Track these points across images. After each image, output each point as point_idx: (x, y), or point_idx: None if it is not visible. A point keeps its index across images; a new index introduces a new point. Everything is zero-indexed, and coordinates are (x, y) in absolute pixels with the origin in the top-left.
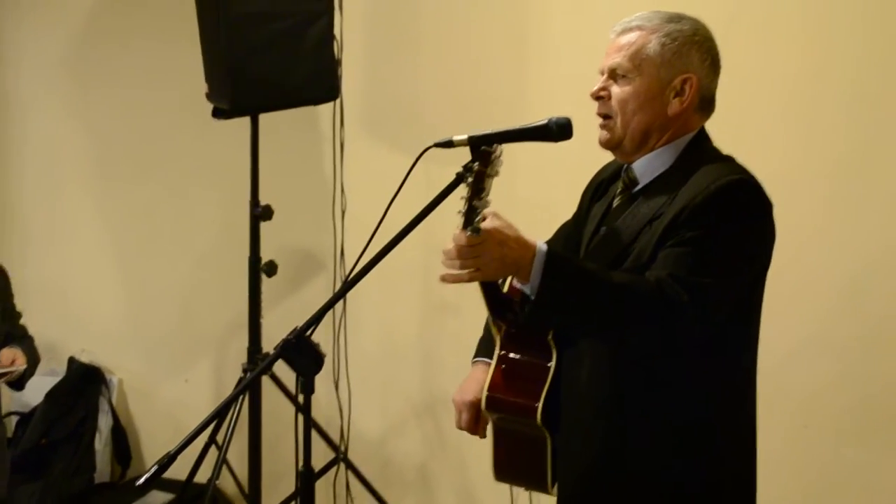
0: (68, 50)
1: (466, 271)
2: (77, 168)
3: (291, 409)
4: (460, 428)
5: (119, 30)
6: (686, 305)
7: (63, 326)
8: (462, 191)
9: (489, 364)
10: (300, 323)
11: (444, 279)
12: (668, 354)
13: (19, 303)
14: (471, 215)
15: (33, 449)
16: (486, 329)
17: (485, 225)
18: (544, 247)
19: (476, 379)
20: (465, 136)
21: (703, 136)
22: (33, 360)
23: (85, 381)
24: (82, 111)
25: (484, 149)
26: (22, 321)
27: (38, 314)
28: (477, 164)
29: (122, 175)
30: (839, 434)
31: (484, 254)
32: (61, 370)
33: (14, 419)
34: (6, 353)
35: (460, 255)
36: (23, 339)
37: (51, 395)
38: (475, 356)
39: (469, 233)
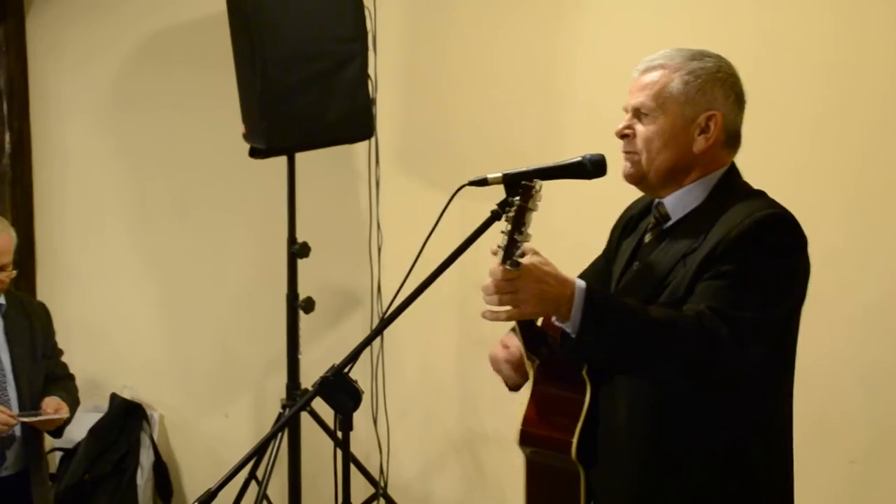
0: (109, 91)
1: (504, 309)
2: (117, 207)
3: (330, 444)
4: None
5: (156, 73)
6: (725, 339)
7: (105, 363)
8: (501, 225)
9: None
10: (338, 359)
11: (484, 316)
12: (707, 388)
13: (62, 340)
14: (510, 249)
15: (77, 485)
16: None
17: (524, 261)
18: (583, 283)
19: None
20: (499, 174)
21: (733, 172)
22: (74, 405)
23: (127, 417)
24: (122, 151)
25: (525, 183)
26: (64, 358)
27: (80, 351)
28: (518, 198)
29: (162, 214)
30: (891, 470)
31: (522, 289)
32: (104, 406)
33: (58, 455)
34: (50, 403)
35: (498, 290)
36: (64, 380)
37: (94, 431)
38: None
39: (508, 266)
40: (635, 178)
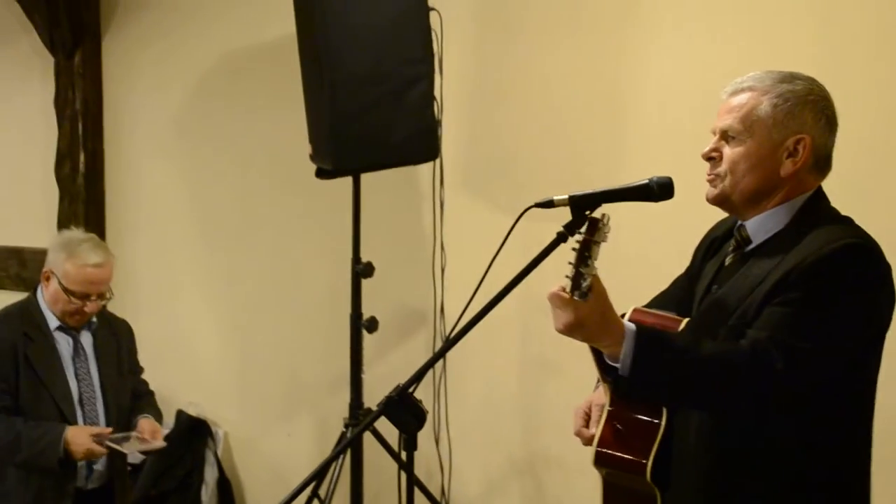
0: (179, 113)
1: (562, 324)
2: (185, 226)
3: (392, 463)
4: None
5: (225, 95)
6: (780, 372)
7: (172, 380)
8: (567, 248)
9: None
10: (401, 378)
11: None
12: (771, 414)
13: None
14: (578, 281)
15: (143, 499)
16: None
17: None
18: (633, 326)
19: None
20: (565, 196)
21: (819, 196)
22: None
23: (192, 434)
24: (191, 171)
25: (593, 216)
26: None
27: (148, 368)
28: (585, 230)
29: (229, 234)
30: None
31: (585, 318)
32: (170, 423)
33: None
34: (147, 426)
35: (562, 315)
36: (148, 396)
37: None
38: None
39: (576, 298)
40: (718, 199)
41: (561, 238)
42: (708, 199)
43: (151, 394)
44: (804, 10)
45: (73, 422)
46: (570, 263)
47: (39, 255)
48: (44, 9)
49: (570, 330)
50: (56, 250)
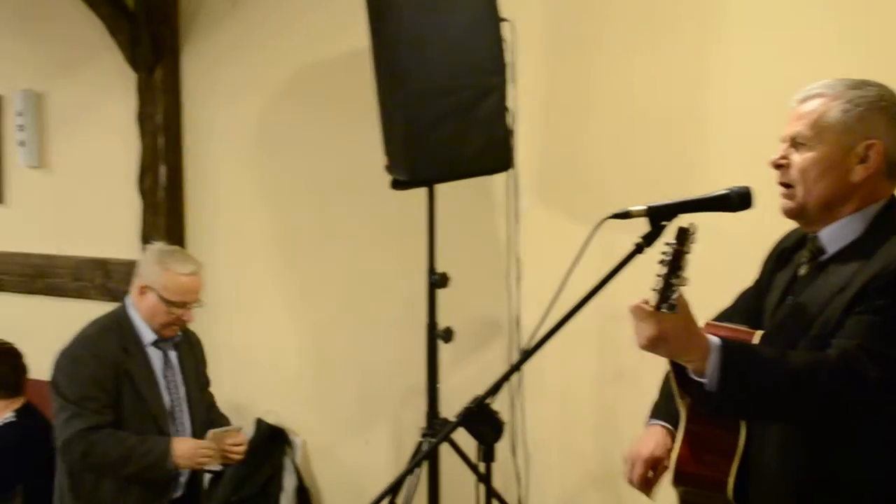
0: (256, 126)
1: (645, 339)
2: (263, 237)
3: (469, 473)
4: (631, 482)
5: (302, 107)
6: (873, 380)
7: (251, 388)
8: (642, 259)
9: (664, 428)
10: (476, 389)
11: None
12: (860, 423)
13: (211, 366)
14: (667, 293)
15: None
16: (662, 393)
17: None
18: (717, 340)
19: (653, 437)
20: (643, 207)
21: (894, 203)
22: None
23: (271, 442)
24: (268, 184)
25: (682, 227)
26: (213, 384)
27: (227, 377)
28: (675, 241)
29: (306, 245)
30: None
31: (670, 332)
32: (249, 431)
33: (207, 477)
34: (239, 438)
35: (643, 333)
36: (216, 408)
37: None
38: (651, 418)
39: (664, 310)
40: (794, 212)
41: (638, 249)
42: (784, 213)
43: (216, 406)
44: (884, 20)
45: (169, 435)
46: (658, 276)
47: (123, 266)
48: (126, 28)
49: (653, 345)
50: (150, 264)
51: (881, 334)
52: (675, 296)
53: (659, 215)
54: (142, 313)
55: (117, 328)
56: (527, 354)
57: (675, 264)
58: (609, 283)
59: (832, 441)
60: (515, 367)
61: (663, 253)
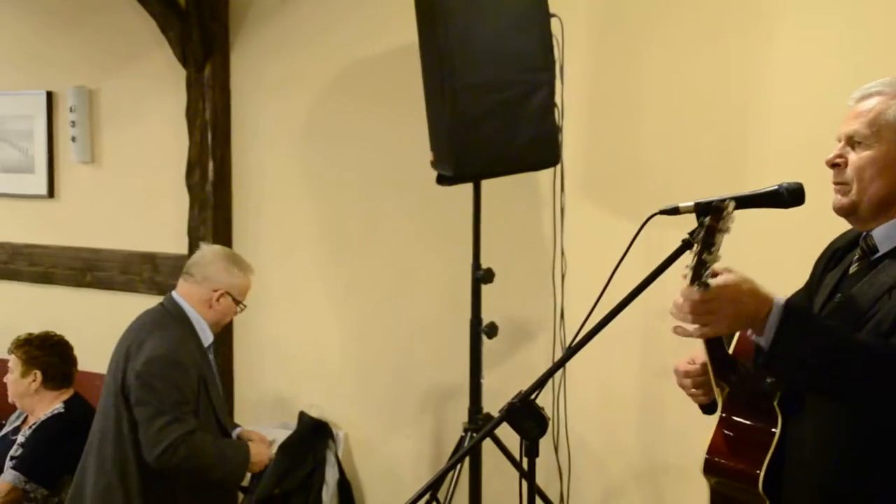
0: (303, 122)
1: (695, 327)
2: (308, 232)
3: (511, 468)
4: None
5: (348, 103)
6: None
7: (294, 382)
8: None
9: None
10: (519, 385)
11: (675, 332)
12: None
13: (256, 359)
14: (699, 270)
15: (267, 498)
16: None
17: (717, 281)
18: (782, 300)
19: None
20: (691, 203)
21: None
22: None
23: (314, 435)
24: (314, 179)
25: (716, 203)
26: (257, 377)
27: (271, 370)
28: (709, 218)
29: (351, 239)
30: None
31: (716, 311)
32: (292, 424)
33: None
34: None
35: (693, 311)
36: None
37: (284, 447)
38: None
39: (697, 287)
40: (847, 209)
41: (686, 246)
42: (835, 209)
43: None
44: None
45: (230, 437)
46: (692, 253)
47: (171, 260)
48: (177, 25)
49: (707, 329)
50: (221, 272)
51: None
52: (707, 272)
53: (708, 212)
54: (215, 317)
55: (191, 332)
56: (572, 351)
57: (707, 241)
58: (655, 280)
59: (869, 450)
60: (561, 363)
61: (698, 229)
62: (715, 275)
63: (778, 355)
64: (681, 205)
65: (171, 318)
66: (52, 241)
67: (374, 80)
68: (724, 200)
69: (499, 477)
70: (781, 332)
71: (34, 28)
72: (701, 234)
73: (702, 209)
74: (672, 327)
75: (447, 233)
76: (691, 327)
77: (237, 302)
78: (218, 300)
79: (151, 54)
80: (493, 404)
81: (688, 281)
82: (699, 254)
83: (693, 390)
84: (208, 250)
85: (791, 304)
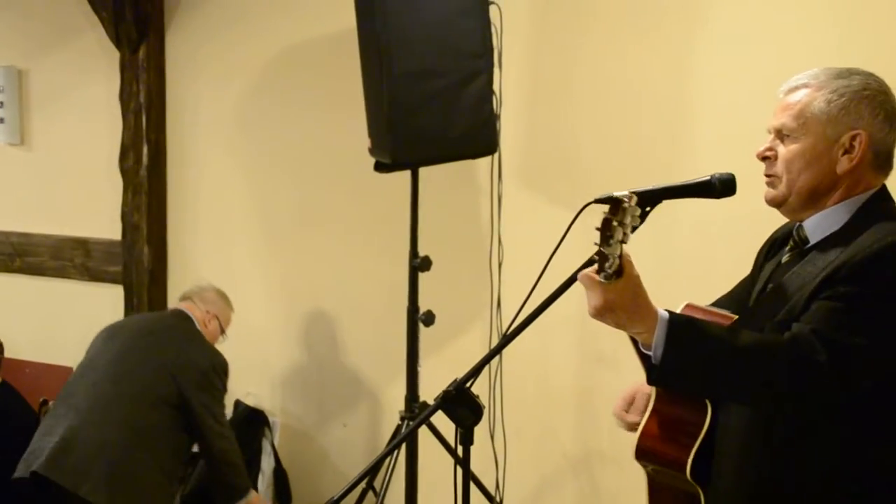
0: (240, 106)
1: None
2: (245, 218)
3: (447, 457)
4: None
5: (285, 88)
6: (822, 364)
7: (230, 370)
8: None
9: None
10: (457, 372)
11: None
12: (809, 418)
13: None
14: (602, 262)
15: (203, 486)
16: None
17: (620, 279)
18: (665, 314)
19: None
20: (626, 192)
21: (882, 196)
22: None
23: (250, 424)
24: (251, 164)
25: (614, 196)
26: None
27: None
28: (607, 209)
29: (287, 226)
30: None
31: (612, 304)
32: (228, 412)
33: None
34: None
35: (591, 295)
36: None
37: None
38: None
39: (601, 279)
40: (777, 201)
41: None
42: (766, 201)
43: None
44: (875, 6)
45: None
46: (595, 244)
47: (103, 246)
48: (110, 5)
49: (600, 313)
50: (217, 300)
51: (839, 321)
52: (609, 265)
53: (642, 201)
54: (211, 332)
55: None
56: (507, 339)
57: (605, 233)
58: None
59: (792, 440)
60: (495, 352)
61: (601, 222)
62: (616, 271)
63: (668, 371)
64: (616, 194)
65: (197, 329)
66: None
67: (312, 66)
68: (658, 192)
69: (435, 465)
70: (668, 348)
71: None
72: (602, 227)
73: (640, 198)
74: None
75: (384, 220)
76: (588, 307)
77: (222, 330)
78: (209, 322)
79: (84, 35)
80: (429, 392)
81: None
82: (599, 246)
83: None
84: (205, 283)
85: (674, 318)
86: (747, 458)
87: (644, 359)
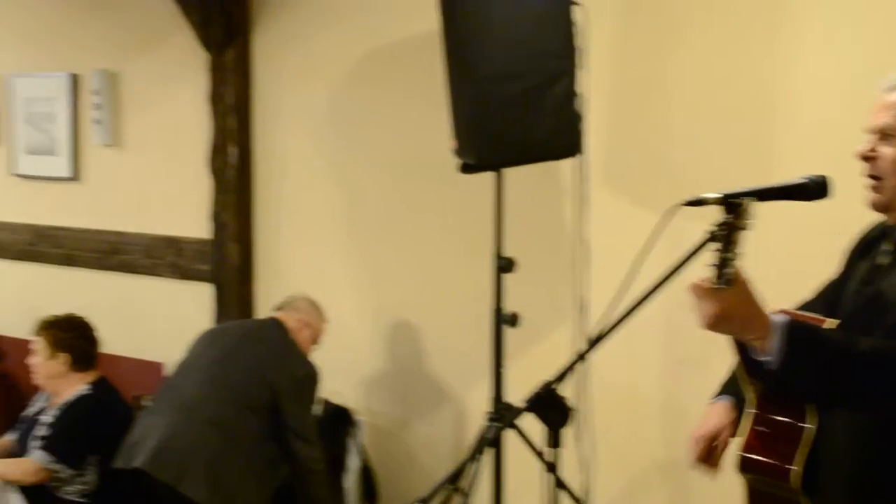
0: (326, 107)
1: (703, 319)
2: (330, 218)
3: (533, 459)
4: (694, 463)
5: (370, 89)
6: None
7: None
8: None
9: (729, 402)
10: (541, 374)
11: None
12: None
13: None
14: (722, 268)
15: (287, 485)
16: (731, 373)
17: (736, 284)
18: (782, 318)
19: (714, 413)
20: (718, 195)
21: None
22: None
23: (337, 422)
24: (336, 165)
25: (734, 201)
26: None
27: None
28: (729, 215)
29: (373, 226)
30: None
31: (728, 312)
32: (317, 410)
33: None
34: None
35: (706, 304)
36: None
37: None
38: (717, 395)
39: (720, 285)
40: (881, 206)
41: (710, 238)
42: (871, 206)
43: None
44: None
45: None
46: (714, 251)
47: (193, 244)
48: (198, 8)
49: (715, 322)
50: (313, 310)
51: None
52: (730, 271)
53: (732, 204)
54: (304, 341)
55: None
56: (597, 340)
57: (729, 238)
58: (679, 271)
59: None
60: (585, 353)
61: (718, 226)
62: (734, 276)
63: (788, 377)
64: (707, 196)
65: (291, 339)
66: (77, 224)
67: (397, 67)
68: (751, 194)
69: (522, 467)
70: (788, 354)
71: (59, 10)
72: (722, 232)
73: (729, 201)
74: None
75: (470, 221)
76: (700, 318)
77: (315, 339)
78: (301, 330)
79: (173, 38)
80: (514, 394)
81: (712, 275)
82: (721, 252)
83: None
84: (298, 293)
85: (793, 324)
86: (862, 466)
87: (750, 370)
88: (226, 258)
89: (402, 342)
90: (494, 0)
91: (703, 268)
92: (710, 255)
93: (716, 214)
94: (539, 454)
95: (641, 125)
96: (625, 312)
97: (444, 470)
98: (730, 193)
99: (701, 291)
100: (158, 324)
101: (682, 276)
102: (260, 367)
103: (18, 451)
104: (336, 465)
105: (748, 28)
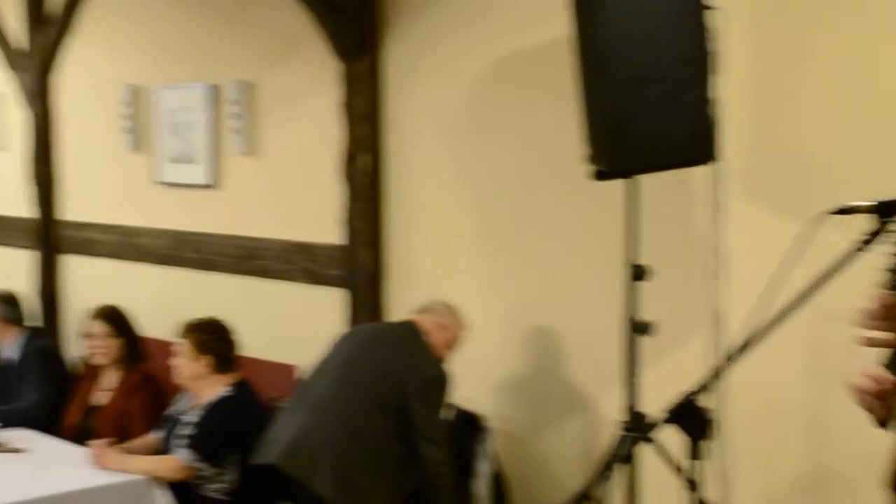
0: (455, 116)
1: (885, 336)
2: (461, 225)
3: (664, 470)
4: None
5: (500, 98)
6: None
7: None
8: (864, 257)
9: None
10: (673, 385)
11: (867, 343)
12: None
13: None
14: None
15: (418, 489)
16: None
17: None
18: None
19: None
20: (871, 202)
21: None
22: None
23: (466, 428)
24: (467, 172)
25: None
26: None
27: None
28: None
29: (506, 233)
30: None
31: None
32: (448, 415)
33: None
34: None
35: (889, 316)
36: None
37: None
38: None
39: None
40: None
41: (862, 247)
42: None
43: None
44: None
45: None
46: (892, 255)
47: (326, 251)
48: (331, 19)
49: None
50: (449, 314)
51: None
52: None
53: (890, 211)
54: (439, 344)
55: None
56: (740, 351)
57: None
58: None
59: None
60: (727, 363)
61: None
62: None
63: None
64: (860, 203)
65: (423, 341)
66: (214, 230)
67: (528, 72)
68: None
69: (656, 479)
70: None
71: (199, 24)
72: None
73: (884, 209)
74: (863, 337)
75: (601, 228)
76: (880, 336)
77: (450, 344)
78: (435, 332)
79: (307, 49)
80: (647, 403)
81: (882, 286)
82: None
83: (873, 406)
84: (437, 298)
85: None
86: None
87: None
88: (358, 264)
89: (534, 349)
90: (628, 4)
91: (845, 281)
92: (860, 269)
93: (861, 224)
94: (677, 468)
95: (782, 131)
96: (769, 323)
97: (574, 478)
98: (885, 201)
99: (884, 312)
100: (291, 327)
101: (829, 289)
102: (386, 365)
103: (164, 449)
104: (466, 470)
105: (893, 30)
